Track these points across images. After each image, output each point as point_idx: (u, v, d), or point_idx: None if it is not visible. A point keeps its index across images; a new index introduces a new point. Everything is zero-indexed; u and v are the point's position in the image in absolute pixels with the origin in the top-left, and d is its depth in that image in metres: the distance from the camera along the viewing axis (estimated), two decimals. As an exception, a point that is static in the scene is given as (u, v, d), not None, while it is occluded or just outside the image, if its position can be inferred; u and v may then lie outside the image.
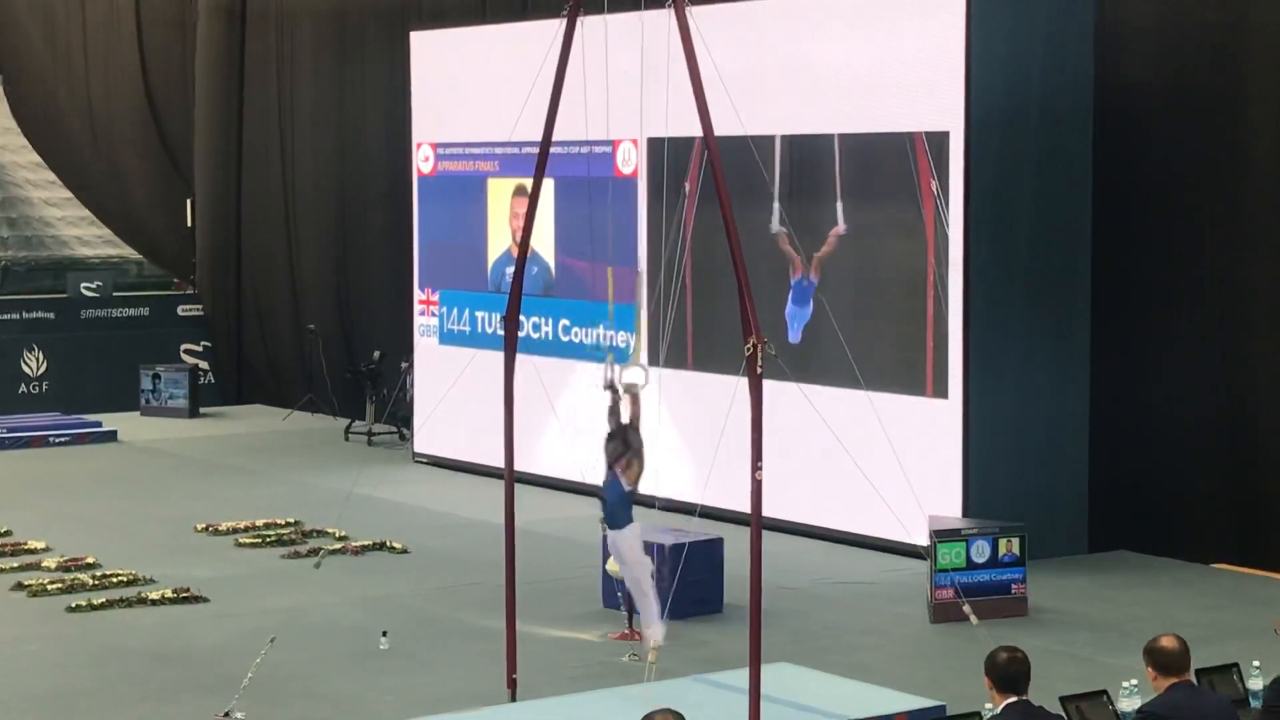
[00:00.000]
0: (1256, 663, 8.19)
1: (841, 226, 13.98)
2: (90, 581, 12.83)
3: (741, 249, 8.56)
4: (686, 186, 14.91)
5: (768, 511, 8.64)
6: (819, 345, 13.97)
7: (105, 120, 23.40)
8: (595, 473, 10.74)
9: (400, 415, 19.47)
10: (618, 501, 10.35)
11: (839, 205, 13.99)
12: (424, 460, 18.17)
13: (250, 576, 13.21)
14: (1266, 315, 13.20)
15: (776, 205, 14.28)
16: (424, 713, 9.65)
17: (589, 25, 9.51)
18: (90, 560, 13.51)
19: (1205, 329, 13.54)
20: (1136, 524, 13.83)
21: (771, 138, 14.27)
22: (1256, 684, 8.04)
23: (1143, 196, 13.81)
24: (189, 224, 23.53)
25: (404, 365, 18.93)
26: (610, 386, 10.33)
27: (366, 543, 14.09)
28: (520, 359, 9.89)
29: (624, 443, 10.27)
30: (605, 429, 10.39)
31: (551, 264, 16.60)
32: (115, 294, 22.69)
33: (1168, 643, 6.99)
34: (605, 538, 10.77)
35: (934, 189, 13.29)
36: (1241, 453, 13.37)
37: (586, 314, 15.89)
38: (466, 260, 17.63)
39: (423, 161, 18.20)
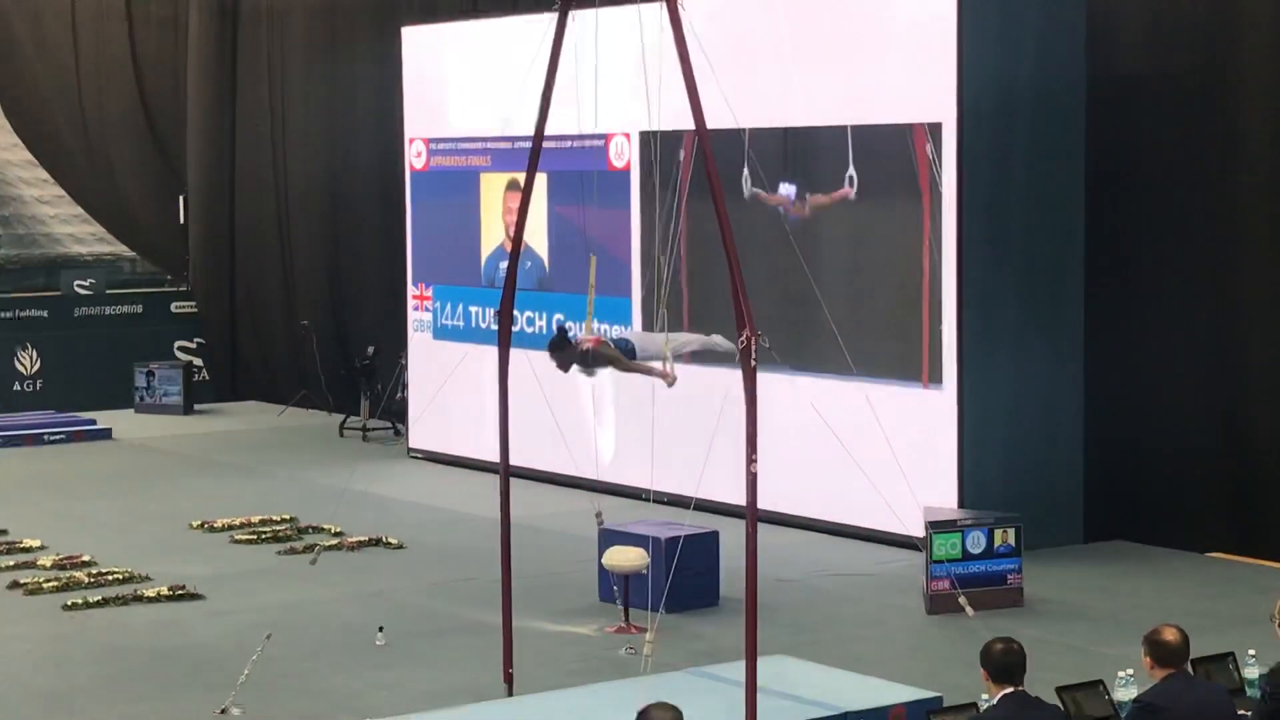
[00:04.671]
0: (1252, 651, 8.21)
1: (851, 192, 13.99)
2: (86, 579, 12.83)
3: (735, 242, 8.56)
4: (679, 224, 14.94)
5: (763, 504, 8.64)
6: (813, 336, 13.97)
7: (97, 118, 23.37)
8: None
9: (395, 410, 19.46)
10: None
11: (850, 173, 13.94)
12: (419, 455, 18.17)
13: (246, 573, 13.21)
14: (1260, 304, 13.22)
15: (745, 171, 14.30)
16: (421, 708, 9.65)
17: (580, 19, 9.50)
18: (86, 558, 13.51)
19: (1199, 318, 13.55)
20: (1132, 513, 13.84)
21: (764, 130, 14.27)
22: (1252, 673, 8.06)
23: (1135, 186, 13.82)
24: (182, 221, 23.52)
25: (400, 362, 18.93)
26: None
27: (362, 538, 14.09)
28: (514, 354, 9.90)
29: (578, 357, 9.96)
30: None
31: (545, 257, 16.59)
32: (109, 291, 22.68)
33: (1170, 635, 6.98)
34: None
35: (935, 172, 13.30)
36: (1236, 441, 13.38)
37: (581, 308, 15.86)
38: (460, 255, 17.62)
39: (415, 157, 18.19)
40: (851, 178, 13.96)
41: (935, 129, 13.27)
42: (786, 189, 14.38)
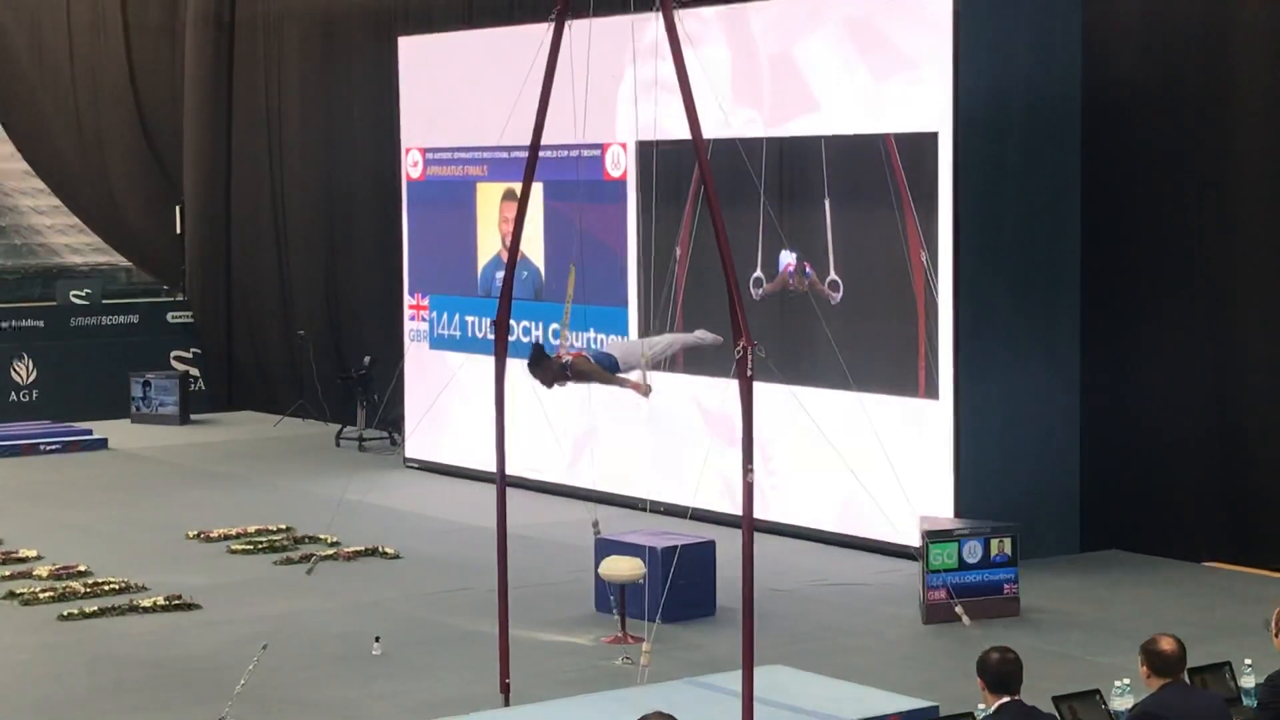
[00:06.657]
0: (1248, 661, 8.21)
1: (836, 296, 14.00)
2: (82, 589, 12.82)
3: (731, 253, 8.57)
4: (678, 251, 14.93)
5: (759, 514, 8.66)
6: (810, 347, 13.98)
7: (93, 128, 23.35)
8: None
9: (391, 420, 19.44)
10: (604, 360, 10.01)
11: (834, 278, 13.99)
12: (415, 465, 18.16)
13: (242, 583, 13.20)
14: (1256, 313, 13.22)
15: (757, 273, 14.47)
16: (417, 718, 9.65)
17: (575, 28, 9.52)
18: (82, 568, 13.50)
19: (1195, 328, 13.55)
20: (1128, 523, 13.84)
21: (759, 140, 14.28)
22: (1248, 682, 8.06)
23: (1131, 195, 13.83)
24: (178, 231, 23.51)
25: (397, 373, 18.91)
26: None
27: (358, 548, 14.07)
28: (511, 363, 9.90)
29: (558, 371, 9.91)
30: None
31: (541, 267, 16.60)
32: (105, 301, 22.67)
33: (1166, 645, 6.99)
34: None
35: (907, 183, 13.33)
36: (1232, 451, 13.38)
37: (576, 317, 15.88)
38: (456, 265, 17.63)
39: (411, 167, 18.20)
40: (835, 282, 14.02)
41: (931, 139, 13.28)
42: (786, 257, 14.39)
